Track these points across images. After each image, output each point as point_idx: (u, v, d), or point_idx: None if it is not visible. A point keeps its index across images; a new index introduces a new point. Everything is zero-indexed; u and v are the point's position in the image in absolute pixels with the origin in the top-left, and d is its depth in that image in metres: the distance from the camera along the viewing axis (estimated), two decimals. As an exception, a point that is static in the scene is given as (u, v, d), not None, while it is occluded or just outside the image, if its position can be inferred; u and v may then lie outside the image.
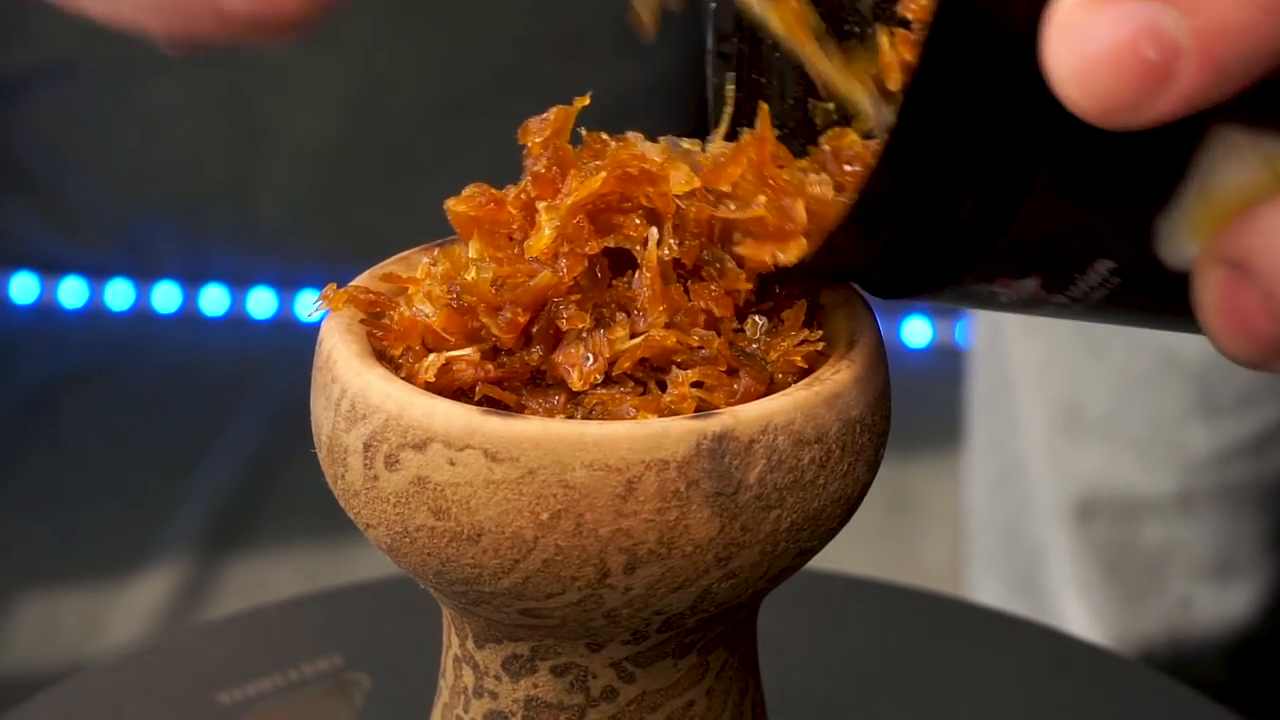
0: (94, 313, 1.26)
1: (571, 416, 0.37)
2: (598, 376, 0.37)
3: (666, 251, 0.38)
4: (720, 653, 0.40)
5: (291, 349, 1.19)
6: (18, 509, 1.10)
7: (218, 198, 1.24)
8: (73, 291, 1.26)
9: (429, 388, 0.37)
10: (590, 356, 0.37)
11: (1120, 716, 0.56)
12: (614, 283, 0.38)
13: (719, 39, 0.43)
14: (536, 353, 0.38)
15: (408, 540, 0.37)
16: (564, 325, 0.37)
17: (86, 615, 1.03)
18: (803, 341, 0.39)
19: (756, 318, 0.39)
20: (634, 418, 0.37)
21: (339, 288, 0.40)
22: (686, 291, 0.38)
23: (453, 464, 0.36)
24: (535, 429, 0.35)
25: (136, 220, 1.25)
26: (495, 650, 0.40)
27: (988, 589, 0.92)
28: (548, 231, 0.38)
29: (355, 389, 0.37)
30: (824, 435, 0.37)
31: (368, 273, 0.41)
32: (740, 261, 0.38)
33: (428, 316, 0.38)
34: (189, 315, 1.26)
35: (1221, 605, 0.85)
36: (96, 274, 1.26)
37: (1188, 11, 0.30)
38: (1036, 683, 0.57)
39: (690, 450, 0.36)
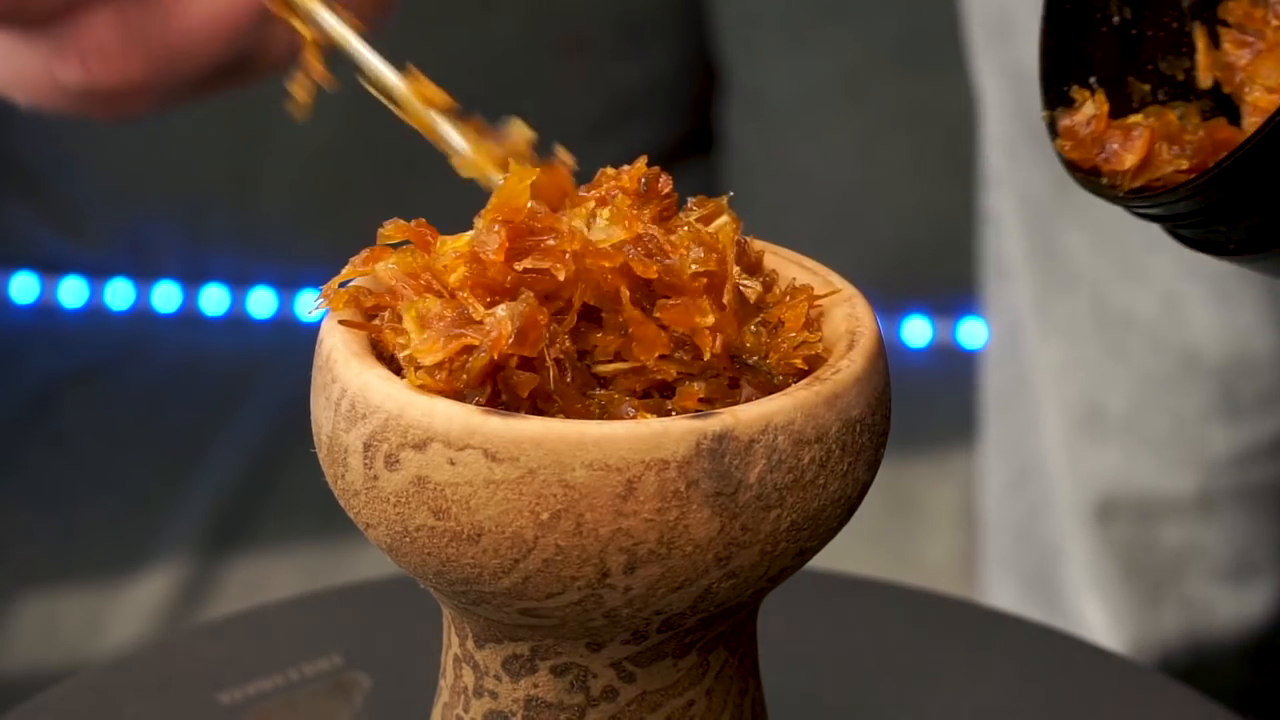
0: (94, 313, 1.26)
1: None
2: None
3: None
4: (720, 653, 0.40)
5: (291, 349, 1.19)
6: (18, 509, 1.10)
7: (218, 198, 1.24)
8: (73, 291, 1.26)
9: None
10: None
11: (1120, 716, 0.56)
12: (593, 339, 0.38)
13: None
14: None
15: (408, 540, 0.37)
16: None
17: (87, 615, 1.03)
18: (802, 343, 0.39)
19: (754, 327, 0.39)
20: (634, 418, 0.37)
21: (339, 286, 0.40)
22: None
23: (453, 464, 0.36)
24: (535, 429, 0.35)
25: (136, 220, 1.25)
26: (495, 650, 0.40)
27: (1003, 590, 0.92)
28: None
29: (355, 389, 0.37)
30: (824, 435, 0.37)
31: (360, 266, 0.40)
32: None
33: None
34: (189, 315, 1.25)
35: (1240, 607, 0.85)
36: (96, 274, 1.26)
37: None
38: (1037, 683, 0.57)
39: (690, 450, 0.36)
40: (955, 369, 1.17)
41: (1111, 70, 0.43)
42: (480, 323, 0.37)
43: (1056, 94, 0.43)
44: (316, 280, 1.22)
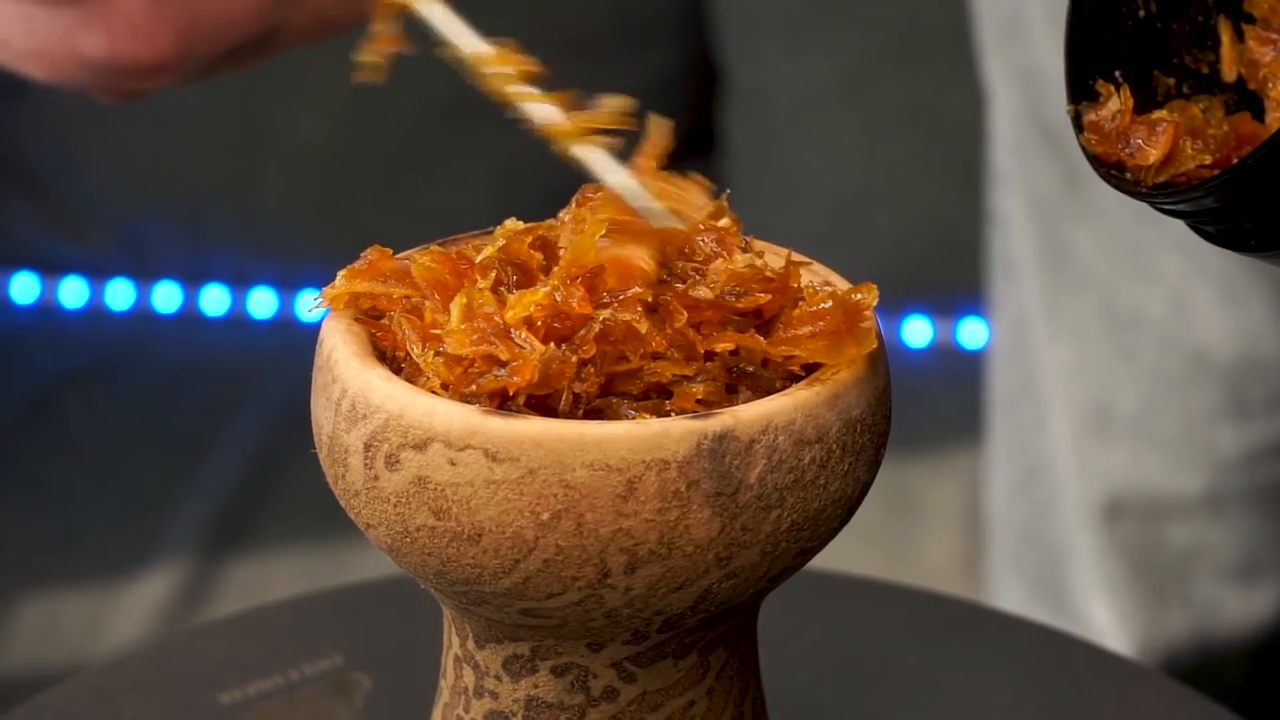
0: (94, 313, 1.26)
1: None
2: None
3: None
4: (721, 653, 0.40)
5: (291, 349, 1.19)
6: (18, 509, 1.10)
7: (218, 198, 1.24)
8: (73, 291, 1.26)
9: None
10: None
11: (1121, 717, 0.56)
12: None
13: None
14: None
15: (408, 540, 0.37)
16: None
17: (87, 615, 1.03)
18: (794, 355, 0.39)
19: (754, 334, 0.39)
20: (634, 418, 0.37)
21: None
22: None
23: (453, 464, 0.36)
24: (535, 429, 0.35)
25: (136, 220, 1.25)
26: (496, 650, 0.40)
27: (1009, 590, 0.92)
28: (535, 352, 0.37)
29: (355, 389, 0.37)
30: (824, 435, 0.37)
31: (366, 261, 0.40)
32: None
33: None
34: (189, 315, 1.25)
35: (1248, 607, 0.85)
36: (97, 274, 1.26)
37: None
38: (1037, 683, 0.57)
39: (691, 450, 0.36)
40: (955, 369, 1.17)
41: (1136, 64, 0.44)
42: (516, 343, 0.37)
43: (1081, 88, 0.43)
44: (316, 280, 1.22)
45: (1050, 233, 0.84)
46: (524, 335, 0.37)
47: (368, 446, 0.37)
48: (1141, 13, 0.44)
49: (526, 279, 0.38)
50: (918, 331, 1.24)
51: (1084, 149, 0.43)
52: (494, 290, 0.38)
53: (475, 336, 0.37)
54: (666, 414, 0.37)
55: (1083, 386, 0.85)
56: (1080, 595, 0.87)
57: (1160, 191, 0.41)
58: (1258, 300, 0.81)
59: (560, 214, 0.41)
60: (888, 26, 1.16)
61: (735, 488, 0.36)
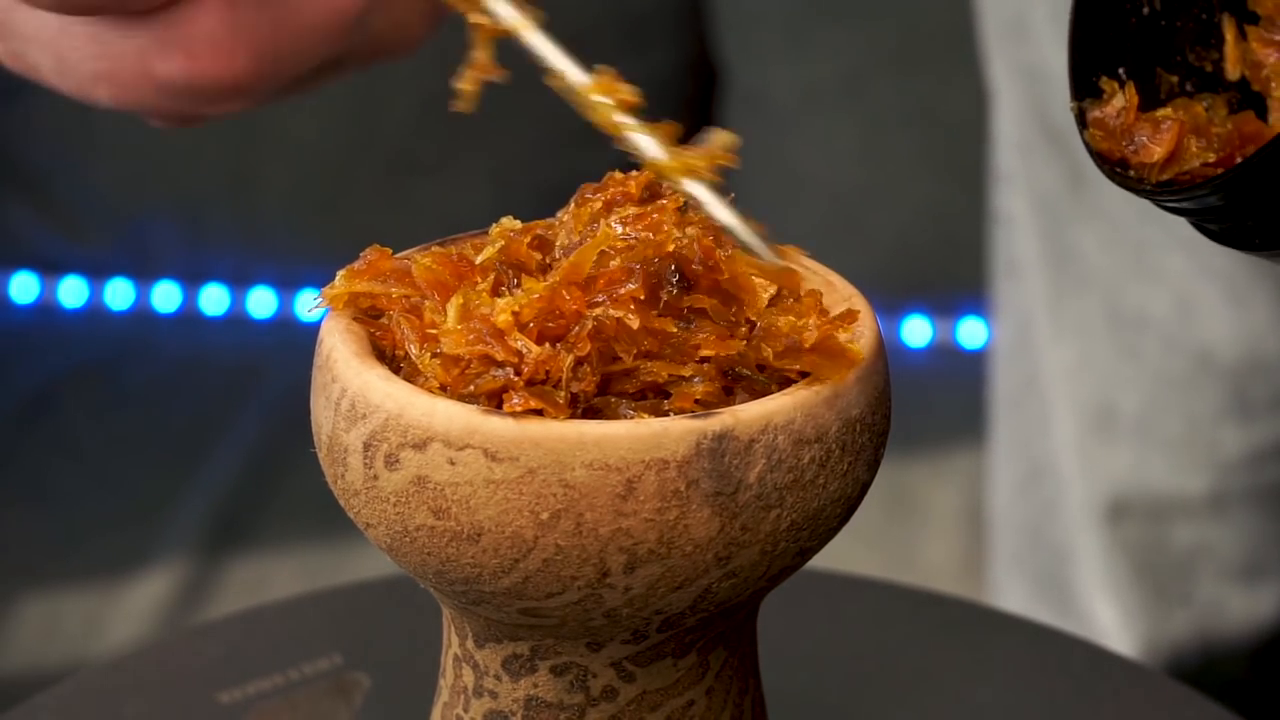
0: (94, 312, 1.26)
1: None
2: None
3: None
4: (720, 652, 0.40)
5: (291, 348, 1.19)
6: (18, 509, 1.10)
7: (218, 198, 1.24)
8: (73, 291, 1.26)
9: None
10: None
11: (1121, 717, 0.56)
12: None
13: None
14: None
15: (408, 540, 0.37)
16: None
17: (87, 615, 1.03)
18: (789, 357, 0.39)
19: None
20: (633, 418, 0.37)
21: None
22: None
23: (453, 463, 0.36)
24: (535, 428, 0.35)
25: (136, 220, 1.25)
26: (495, 650, 0.40)
27: (1013, 590, 0.92)
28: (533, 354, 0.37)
29: (355, 388, 0.37)
30: (824, 435, 0.37)
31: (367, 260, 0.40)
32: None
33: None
34: (189, 315, 1.25)
35: (1252, 607, 0.85)
36: (96, 274, 1.26)
37: None
38: (1037, 683, 0.57)
39: (690, 450, 0.36)
40: (955, 369, 1.17)
41: (1140, 62, 0.44)
42: (510, 346, 0.37)
43: (1084, 85, 0.43)
44: (316, 280, 1.22)
45: (1054, 232, 0.84)
46: (517, 337, 0.37)
47: (367, 446, 0.37)
48: (1145, 10, 0.44)
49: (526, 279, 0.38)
50: (918, 331, 1.24)
51: (1088, 145, 0.43)
52: (494, 291, 0.38)
53: (471, 337, 0.37)
54: (665, 414, 0.37)
55: (1086, 386, 0.85)
56: (1084, 595, 0.87)
57: (1164, 189, 0.41)
58: (1262, 300, 0.81)
59: (559, 213, 0.41)
60: (888, 26, 1.16)
61: (735, 487, 0.36)
